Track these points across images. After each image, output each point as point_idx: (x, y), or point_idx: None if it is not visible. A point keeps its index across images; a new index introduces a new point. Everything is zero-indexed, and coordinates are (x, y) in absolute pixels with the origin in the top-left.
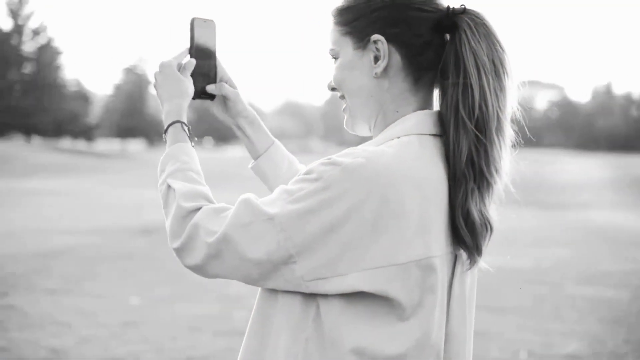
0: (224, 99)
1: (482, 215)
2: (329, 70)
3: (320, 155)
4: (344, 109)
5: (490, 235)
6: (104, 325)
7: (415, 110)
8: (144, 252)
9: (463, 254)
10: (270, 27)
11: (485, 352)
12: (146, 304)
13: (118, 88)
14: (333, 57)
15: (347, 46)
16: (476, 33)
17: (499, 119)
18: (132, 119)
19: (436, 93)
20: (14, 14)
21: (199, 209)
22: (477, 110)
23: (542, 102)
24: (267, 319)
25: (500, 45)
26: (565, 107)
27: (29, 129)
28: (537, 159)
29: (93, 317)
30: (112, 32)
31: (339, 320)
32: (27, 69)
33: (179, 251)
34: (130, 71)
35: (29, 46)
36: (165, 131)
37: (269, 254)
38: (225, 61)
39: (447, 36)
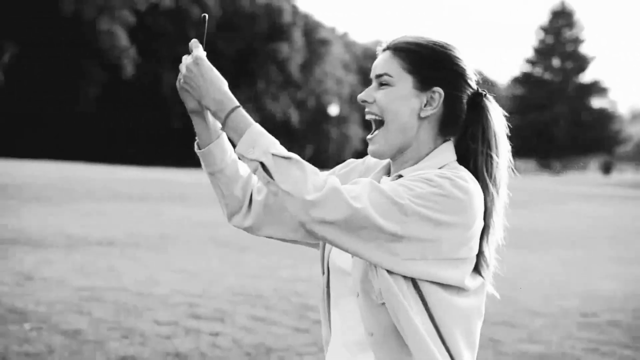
0: None
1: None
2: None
3: None
4: (376, 132)
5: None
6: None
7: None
8: None
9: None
10: None
11: None
12: None
13: None
14: (383, 83)
15: (407, 82)
16: (495, 115)
17: (503, 172)
18: None
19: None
20: None
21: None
22: (493, 171)
23: None
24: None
25: (504, 123)
26: None
27: None
28: None
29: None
30: None
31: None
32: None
33: (313, 203)
34: None
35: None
36: (228, 116)
37: (390, 228)
38: None
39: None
